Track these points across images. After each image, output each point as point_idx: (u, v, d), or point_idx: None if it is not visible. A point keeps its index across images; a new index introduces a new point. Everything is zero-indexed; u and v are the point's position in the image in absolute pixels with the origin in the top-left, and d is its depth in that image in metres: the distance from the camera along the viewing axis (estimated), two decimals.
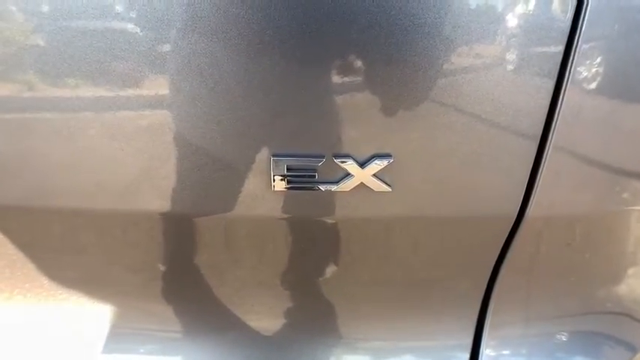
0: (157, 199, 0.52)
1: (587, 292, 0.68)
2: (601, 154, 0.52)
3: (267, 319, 0.64)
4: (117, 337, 0.64)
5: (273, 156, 0.49)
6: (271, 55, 0.45)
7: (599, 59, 0.47)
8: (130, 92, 0.46)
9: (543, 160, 0.50)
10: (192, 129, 0.48)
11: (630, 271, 0.68)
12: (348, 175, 0.49)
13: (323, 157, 0.49)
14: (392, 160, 0.49)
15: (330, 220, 0.55)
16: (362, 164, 0.49)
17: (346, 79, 0.46)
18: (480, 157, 0.50)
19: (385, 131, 0.48)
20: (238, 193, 0.52)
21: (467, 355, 0.62)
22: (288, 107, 0.47)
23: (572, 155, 0.51)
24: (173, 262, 0.61)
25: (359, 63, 0.46)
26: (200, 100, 0.47)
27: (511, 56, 0.47)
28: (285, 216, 0.53)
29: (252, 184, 0.51)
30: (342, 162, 0.49)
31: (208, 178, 0.51)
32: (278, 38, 0.44)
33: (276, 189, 0.50)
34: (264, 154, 0.49)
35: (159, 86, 0.46)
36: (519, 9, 0.45)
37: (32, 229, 0.58)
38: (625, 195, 0.55)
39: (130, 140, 0.48)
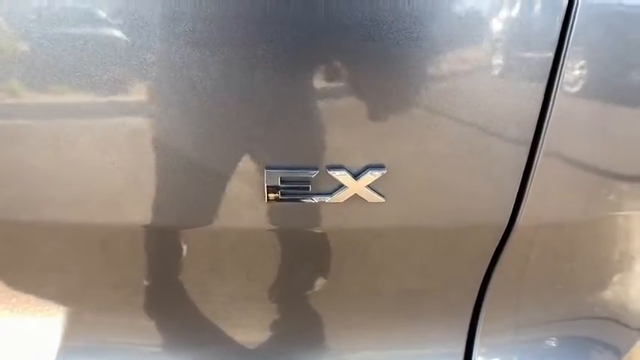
0: (148, 213, 0.51)
1: (574, 299, 0.69)
2: (590, 160, 0.53)
3: (255, 333, 0.64)
4: (103, 351, 0.63)
5: (267, 168, 0.49)
6: (264, 68, 0.45)
7: (587, 64, 0.48)
8: (119, 102, 0.46)
9: (533, 167, 0.51)
10: (185, 141, 0.48)
11: (615, 277, 0.69)
12: (341, 186, 0.50)
13: (317, 168, 0.49)
14: (385, 171, 0.49)
15: (321, 232, 0.55)
16: (356, 175, 0.49)
17: (339, 91, 0.46)
18: (472, 167, 0.50)
19: (378, 142, 0.48)
20: (231, 206, 0.51)
21: None
22: (282, 119, 0.47)
23: (562, 162, 0.52)
24: (161, 276, 0.60)
25: (351, 75, 0.46)
26: (192, 112, 0.46)
27: (501, 64, 0.47)
28: (278, 228, 0.53)
29: (245, 196, 0.50)
30: (336, 173, 0.49)
31: (201, 191, 0.50)
32: (271, 51, 0.44)
33: (269, 201, 0.50)
34: (257, 166, 0.49)
35: (150, 97, 0.46)
36: (508, 17, 0.46)
37: (16, 242, 0.57)
38: (611, 200, 0.56)
39: (119, 152, 0.48)
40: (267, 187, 0.49)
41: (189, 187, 0.50)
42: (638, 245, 0.68)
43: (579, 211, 0.57)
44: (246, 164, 0.49)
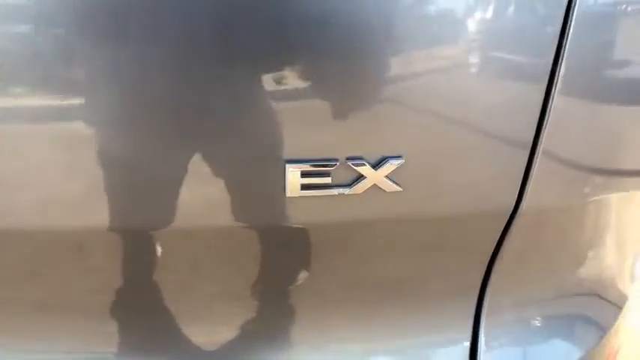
0: (164, 215, 0.50)
1: (562, 278, 0.73)
2: (587, 150, 0.56)
3: (271, 330, 0.63)
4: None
5: (287, 162, 0.49)
6: (280, 63, 0.45)
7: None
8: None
9: (537, 153, 0.54)
10: (202, 137, 0.47)
11: (600, 252, 0.73)
12: (360, 177, 0.50)
13: (337, 160, 0.49)
14: (403, 161, 0.50)
15: (337, 224, 0.55)
16: (374, 166, 0.50)
17: (356, 82, 0.47)
18: (481, 155, 0.53)
19: (396, 133, 0.49)
20: (250, 203, 0.51)
21: (468, 343, 0.65)
22: (301, 112, 0.47)
23: (561, 150, 0.55)
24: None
25: (369, 68, 0.47)
26: (207, 109, 0.46)
27: (504, 60, 0.50)
28: (299, 223, 0.53)
29: (264, 192, 0.50)
30: (356, 165, 0.50)
31: (218, 189, 0.49)
32: (286, 45, 0.45)
33: (289, 195, 0.50)
34: (277, 161, 0.49)
35: (155, 90, 0.45)
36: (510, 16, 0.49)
37: None
38: (605, 183, 0.60)
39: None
40: (288, 181, 0.49)
41: (207, 187, 0.49)
42: (620, 225, 0.73)
43: (573, 196, 0.60)
44: (265, 159, 0.49)
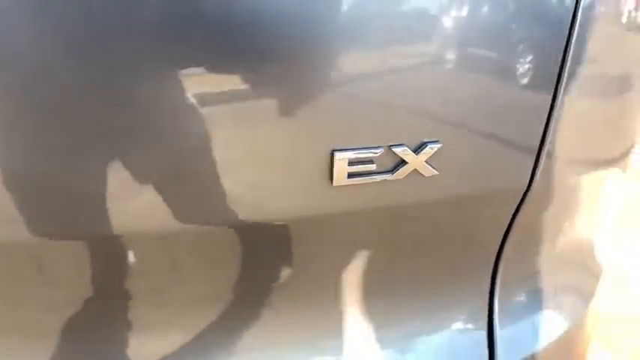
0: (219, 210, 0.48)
1: (558, 251, 0.79)
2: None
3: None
4: None
5: (335, 151, 0.49)
6: (329, 56, 0.46)
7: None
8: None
9: (550, 129, 0.58)
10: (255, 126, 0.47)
11: (586, 226, 0.80)
12: (402, 162, 0.52)
13: (380, 147, 0.50)
14: (440, 145, 0.52)
15: (376, 210, 0.56)
16: (415, 151, 0.52)
17: (404, 70, 0.49)
18: (501, 136, 0.56)
19: (434, 119, 0.52)
20: (294, 193, 0.50)
21: (485, 318, 0.68)
22: (347, 100, 0.48)
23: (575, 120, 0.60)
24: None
25: (412, 61, 0.49)
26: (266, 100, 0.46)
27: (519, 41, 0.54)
28: (344, 210, 0.53)
29: (310, 182, 0.50)
30: (398, 150, 0.51)
31: (254, 182, 0.49)
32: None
33: (335, 184, 0.50)
34: (323, 150, 0.49)
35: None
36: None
37: None
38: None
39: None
40: (336, 170, 0.49)
41: (254, 180, 0.48)
42: (600, 201, 0.80)
43: (581, 172, 0.66)
44: (312, 148, 0.49)
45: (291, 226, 0.55)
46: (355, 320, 0.65)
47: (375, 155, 0.50)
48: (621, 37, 0.62)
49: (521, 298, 0.73)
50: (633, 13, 0.59)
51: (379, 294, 0.64)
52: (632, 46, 0.64)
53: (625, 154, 0.73)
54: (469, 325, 0.69)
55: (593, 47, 0.57)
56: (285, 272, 0.59)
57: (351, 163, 0.50)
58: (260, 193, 0.50)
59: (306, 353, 0.63)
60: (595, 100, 0.62)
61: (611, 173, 0.74)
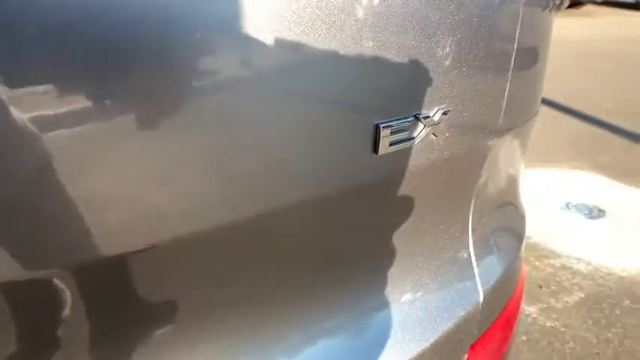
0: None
1: (501, 194, 0.96)
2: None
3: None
4: None
5: (380, 123, 0.56)
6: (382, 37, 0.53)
7: None
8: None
9: (504, 103, 0.73)
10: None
11: (516, 173, 0.99)
12: (424, 127, 0.61)
13: (411, 116, 0.59)
14: (450, 109, 0.63)
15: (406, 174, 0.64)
16: (432, 116, 0.61)
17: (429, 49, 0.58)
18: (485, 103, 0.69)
19: (446, 88, 0.62)
20: (337, 165, 0.56)
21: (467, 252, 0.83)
22: (388, 79, 0.56)
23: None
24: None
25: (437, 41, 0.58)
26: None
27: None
28: (384, 178, 0.61)
29: (353, 153, 0.56)
30: (422, 118, 0.60)
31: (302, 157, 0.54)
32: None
33: (380, 153, 0.57)
34: (367, 122, 0.56)
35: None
36: None
37: None
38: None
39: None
40: (379, 139, 0.57)
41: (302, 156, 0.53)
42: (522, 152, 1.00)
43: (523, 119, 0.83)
44: (356, 122, 0.55)
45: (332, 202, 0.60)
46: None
47: (408, 124, 0.59)
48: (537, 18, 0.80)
49: (484, 239, 0.88)
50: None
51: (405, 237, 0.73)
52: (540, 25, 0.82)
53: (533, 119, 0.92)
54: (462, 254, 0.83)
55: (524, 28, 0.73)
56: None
57: (392, 132, 0.58)
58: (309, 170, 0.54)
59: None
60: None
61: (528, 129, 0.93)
